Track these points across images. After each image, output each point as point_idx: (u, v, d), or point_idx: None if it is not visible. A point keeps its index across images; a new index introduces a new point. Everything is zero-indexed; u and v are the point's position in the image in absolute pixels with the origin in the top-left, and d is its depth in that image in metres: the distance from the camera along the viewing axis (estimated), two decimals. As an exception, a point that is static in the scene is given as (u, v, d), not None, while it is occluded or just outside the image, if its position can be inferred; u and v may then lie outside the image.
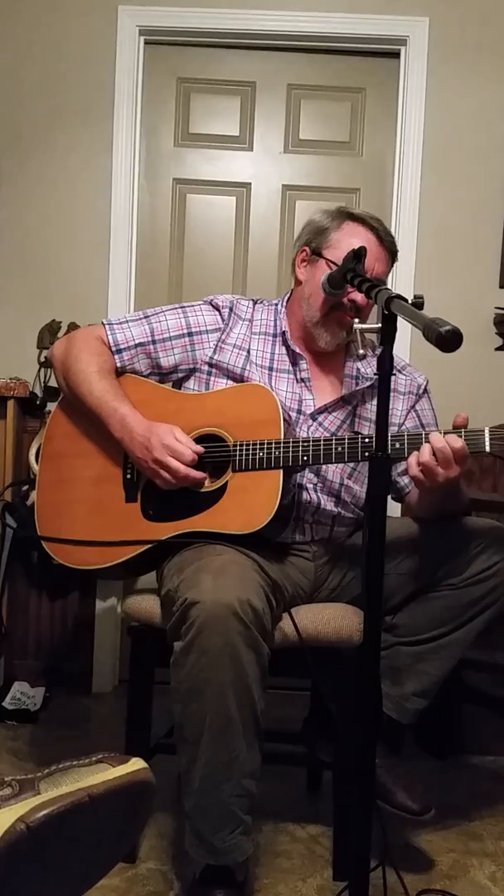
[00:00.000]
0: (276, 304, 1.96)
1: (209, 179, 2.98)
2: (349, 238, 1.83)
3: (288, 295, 1.98)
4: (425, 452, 1.58)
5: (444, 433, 1.60)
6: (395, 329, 1.38)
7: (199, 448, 1.72)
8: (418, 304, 1.36)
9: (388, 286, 1.61)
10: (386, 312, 1.38)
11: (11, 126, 2.90)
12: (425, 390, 1.97)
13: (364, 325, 1.59)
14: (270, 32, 2.88)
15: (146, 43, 2.92)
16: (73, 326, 2.81)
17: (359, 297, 1.79)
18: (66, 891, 1.06)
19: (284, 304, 1.96)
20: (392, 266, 1.91)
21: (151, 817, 1.89)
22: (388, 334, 1.38)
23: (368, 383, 1.90)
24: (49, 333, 2.81)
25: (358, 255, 1.66)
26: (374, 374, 1.85)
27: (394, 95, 2.91)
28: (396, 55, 2.89)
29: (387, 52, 2.91)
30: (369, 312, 1.85)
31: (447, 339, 1.25)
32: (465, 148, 2.88)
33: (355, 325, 1.63)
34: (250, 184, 2.98)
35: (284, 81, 2.96)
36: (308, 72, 2.95)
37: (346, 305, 1.82)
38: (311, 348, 1.90)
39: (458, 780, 2.28)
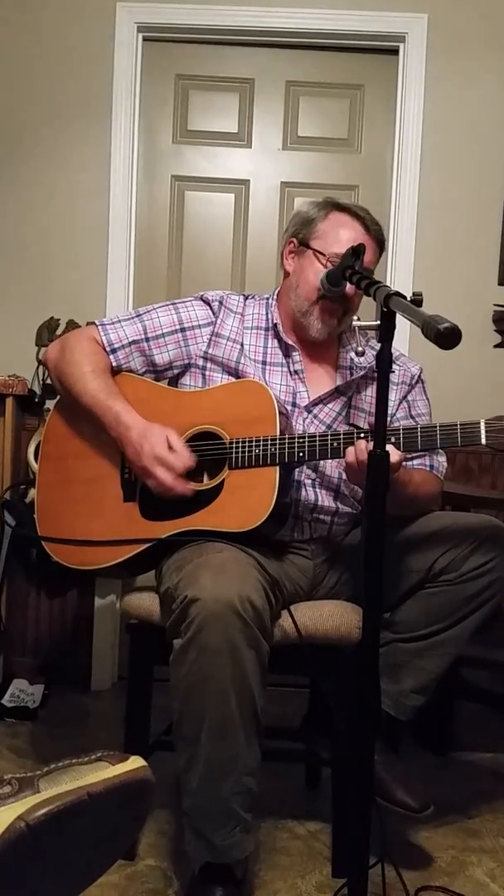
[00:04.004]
0: (268, 298, 1.96)
1: (208, 176, 2.98)
2: (336, 228, 1.83)
3: (278, 288, 1.98)
4: (349, 456, 1.63)
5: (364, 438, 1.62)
6: (393, 326, 1.38)
7: (192, 461, 1.71)
8: (417, 301, 1.36)
9: (379, 279, 1.60)
10: (385, 309, 1.38)
11: (9, 124, 2.90)
12: (419, 380, 1.97)
13: (363, 323, 1.59)
14: (269, 29, 2.88)
15: (144, 40, 2.91)
16: (71, 324, 2.80)
17: (348, 286, 1.79)
18: (65, 888, 1.07)
19: (275, 297, 1.96)
20: (380, 255, 1.91)
21: (150, 815, 1.89)
22: (386, 331, 1.38)
23: (362, 372, 1.90)
24: (47, 331, 2.81)
25: (357, 252, 1.66)
26: (369, 364, 1.87)
27: (392, 92, 2.91)
28: (395, 52, 2.89)
29: (385, 49, 2.91)
30: (359, 302, 1.85)
31: (446, 336, 1.25)
32: (463, 144, 2.88)
33: (354, 323, 1.63)
34: (249, 181, 2.98)
35: (283, 78, 2.95)
36: (307, 68, 2.95)
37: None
38: (304, 339, 1.90)
39: (456, 777, 2.28)
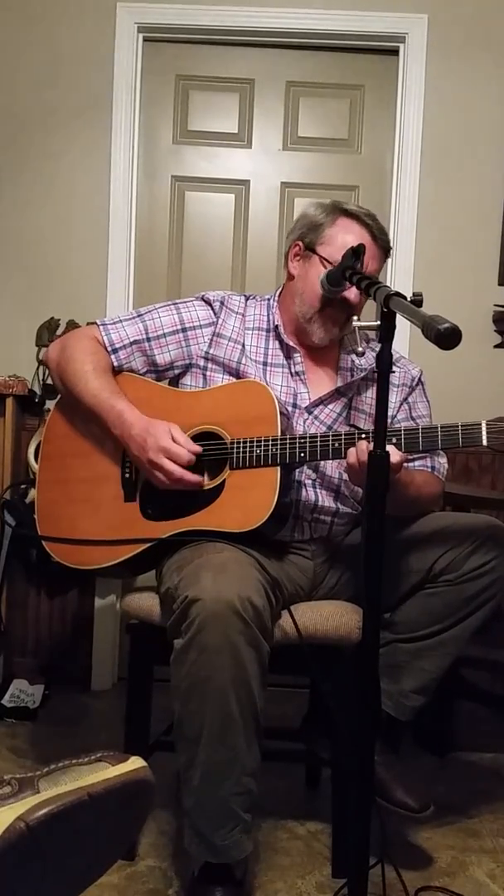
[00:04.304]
0: (269, 299, 1.96)
1: (208, 177, 2.98)
2: (344, 234, 1.83)
3: (280, 289, 1.98)
4: (350, 456, 1.63)
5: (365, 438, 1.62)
6: (394, 327, 1.38)
7: (197, 448, 1.71)
8: (417, 301, 1.36)
9: (379, 279, 1.60)
10: (385, 310, 1.38)
11: (9, 124, 2.90)
12: (419, 382, 1.97)
13: (363, 323, 1.59)
14: (269, 29, 2.88)
15: (145, 40, 2.91)
16: (71, 324, 2.80)
17: (352, 294, 1.79)
18: (65, 889, 1.07)
19: (277, 298, 1.96)
20: (384, 263, 1.91)
21: (150, 815, 1.89)
22: (387, 332, 1.38)
23: (363, 374, 1.90)
24: (47, 331, 2.81)
25: (357, 252, 1.66)
26: (369, 366, 1.87)
27: (392, 93, 2.91)
28: (395, 52, 2.89)
29: (386, 50, 2.91)
30: (362, 308, 1.86)
31: (446, 337, 1.25)
32: (463, 145, 2.88)
33: (354, 323, 1.63)
34: (249, 181, 2.98)
35: (283, 78, 2.96)
36: (307, 69, 2.95)
37: (339, 302, 1.82)
38: (305, 342, 1.90)
39: (456, 778, 2.28)
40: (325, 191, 2.89)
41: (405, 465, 1.68)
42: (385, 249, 1.88)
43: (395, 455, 1.53)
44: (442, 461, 1.91)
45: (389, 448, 1.43)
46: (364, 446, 1.60)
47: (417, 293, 1.38)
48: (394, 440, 1.63)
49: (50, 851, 0.96)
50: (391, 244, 1.91)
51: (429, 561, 1.76)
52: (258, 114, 2.97)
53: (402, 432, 1.65)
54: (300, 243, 1.89)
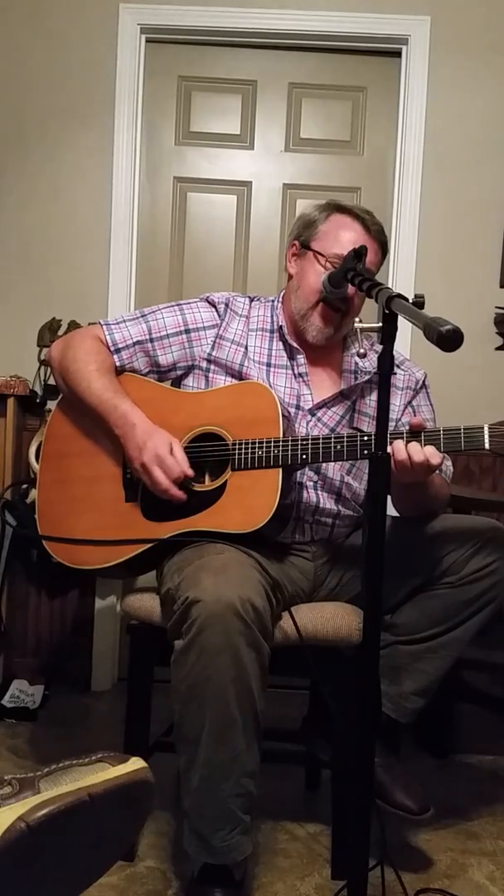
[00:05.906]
0: (273, 301, 1.97)
1: (210, 178, 2.98)
2: (337, 228, 1.84)
3: (283, 291, 1.98)
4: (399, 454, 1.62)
5: (407, 439, 1.62)
6: (395, 329, 1.38)
7: (189, 472, 1.71)
8: (419, 303, 1.36)
9: (381, 281, 1.60)
10: (387, 312, 1.38)
11: (12, 124, 2.90)
12: (423, 385, 1.97)
13: (365, 325, 1.59)
14: (272, 31, 2.88)
15: (147, 41, 2.92)
16: (73, 325, 2.81)
17: (349, 289, 1.79)
18: (65, 889, 1.07)
19: (280, 300, 1.96)
20: (383, 257, 1.91)
21: (150, 816, 1.89)
22: (388, 334, 1.38)
23: (367, 377, 1.90)
24: (49, 332, 2.81)
25: (358, 254, 1.66)
26: (373, 368, 1.87)
27: (395, 94, 2.91)
28: (398, 54, 2.90)
29: (388, 51, 2.91)
30: (360, 304, 1.85)
31: (448, 339, 1.25)
32: (466, 147, 2.88)
33: (355, 325, 1.63)
34: (251, 182, 2.98)
35: (285, 80, 2.96)
36: (309, 70, 2.95)
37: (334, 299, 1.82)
38: (307, 343, 1.90)
39: (456, 780, 2.28)
40: (327, 192, 2.89)
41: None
42: (381, 242, 1.88)
43: (419, 454, 1.59)
44: (448, 463, 1.91)
45: (430, 448, 1.57)
46: (401, 445, 1.60)
47: (419, 295, 1.38)
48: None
49: (50, 851, 0.96)
50: (387, 238, 1.91)
51: (430, 563, 1.76)
52: (260, 115, 2.97)
53: (405, 435, 1.65)
54: (296, 242, 1.90)
